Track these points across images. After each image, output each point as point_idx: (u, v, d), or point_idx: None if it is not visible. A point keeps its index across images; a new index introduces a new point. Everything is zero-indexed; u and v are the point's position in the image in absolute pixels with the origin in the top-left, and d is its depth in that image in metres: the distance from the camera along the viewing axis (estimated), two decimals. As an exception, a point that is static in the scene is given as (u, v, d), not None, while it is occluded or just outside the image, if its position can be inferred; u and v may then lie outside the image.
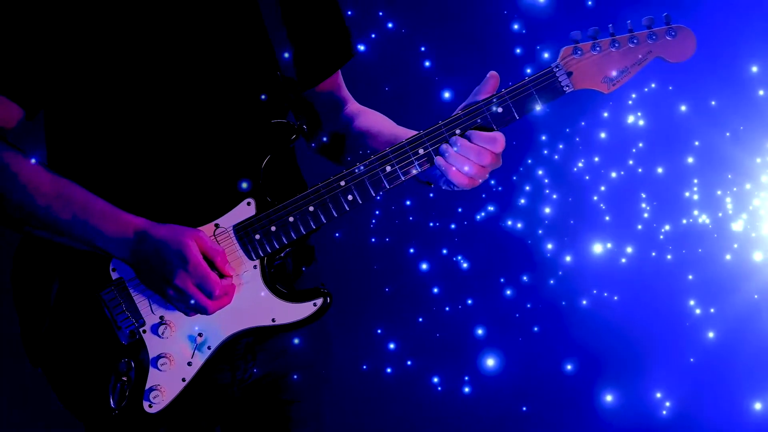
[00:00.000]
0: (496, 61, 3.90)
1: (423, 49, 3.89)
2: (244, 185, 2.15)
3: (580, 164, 4.02)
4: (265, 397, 2.29)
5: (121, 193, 2.13)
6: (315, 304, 2.18)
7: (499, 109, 2.19)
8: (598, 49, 2.23)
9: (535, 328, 4.13)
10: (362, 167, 2.16)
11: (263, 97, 2.22)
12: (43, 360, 2.14)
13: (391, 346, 4.06)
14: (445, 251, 4.08)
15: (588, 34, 2.23)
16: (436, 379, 4.11)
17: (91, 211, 2.06)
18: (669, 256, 4.05)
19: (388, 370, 4.04)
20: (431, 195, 3.94)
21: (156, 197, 2.14)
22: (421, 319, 4.12)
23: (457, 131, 2.16)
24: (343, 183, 2.16)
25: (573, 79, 2.22)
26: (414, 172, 2.18)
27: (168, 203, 2.14)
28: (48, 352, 2.13)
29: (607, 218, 4.09)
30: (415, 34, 3.89)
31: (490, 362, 4.05)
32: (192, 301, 2.06)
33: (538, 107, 2.21)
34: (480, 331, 4.10)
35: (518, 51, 3.76)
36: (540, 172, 4.04)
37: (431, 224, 4.06)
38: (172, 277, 2.03)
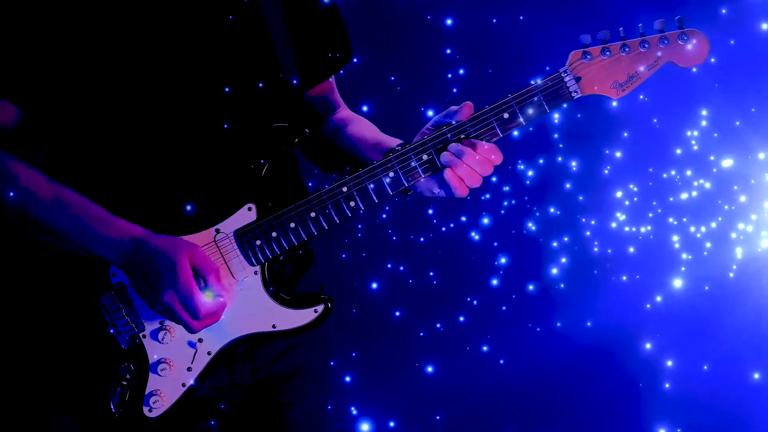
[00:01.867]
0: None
1: (393, 78, 3.89)
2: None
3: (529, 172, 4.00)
4: (264, 400, 2.28)
5: (121, 198, 2.11)
6: (316, 311, 2.16)
7: (506, 115, 2.15)
8: (608, 53, 2.18)
9: (501, 361, 4.07)
10: (364, 173, 2.14)
11: (264, 99, 2.19)
12: (44, 363, 2.13)
13: (347, 378, 3.97)
14: (402, 268, 4.03)
15: (598, 37, 2.19)
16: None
17: (88, 216, 2.05)
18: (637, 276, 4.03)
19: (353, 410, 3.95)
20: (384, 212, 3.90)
21: (157, 201, 2.12)
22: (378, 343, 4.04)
23: (462, 137, 2.14)
24: (345, 189, 2.14)
25: (581, 84, 2.17)
26: (420, 178, 2.15)
27: (169, 208, 2.12)
28: (48, 355, 2.12)
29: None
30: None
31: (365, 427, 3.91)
32: (177, 319, 2.04)
33: (545, 113, 2.17)
34: (430, 369, 4.03)
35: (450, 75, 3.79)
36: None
37: (394, 238, 3.99)
38: (160, 293, 2.01)
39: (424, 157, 2.14)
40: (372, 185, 2.14)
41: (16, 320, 2.14)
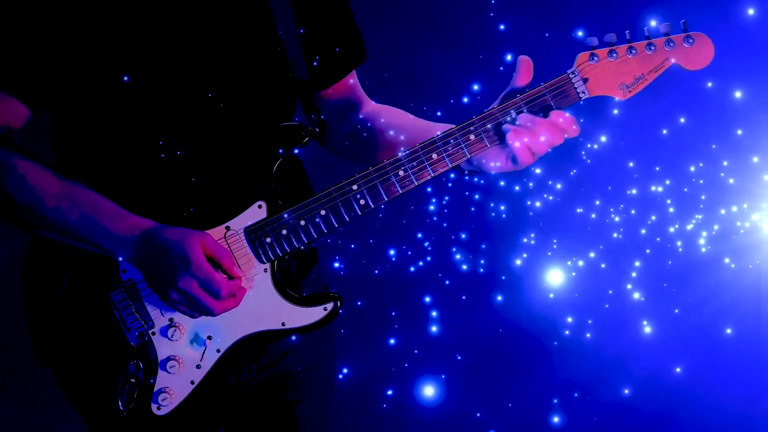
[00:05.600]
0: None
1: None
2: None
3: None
4: (270, 398, 2.28)
5: (131, 195, 2.11)
6: (325, 309, 2.16)
7: (514, 115, 2.17)
8: (614, 55, 2.21)
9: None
10: (374, 171, 2.15)
11: (274, 98, 2.20)
12: (52, 359, 2.13)
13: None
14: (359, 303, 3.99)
15: (605, 40, 2.22)
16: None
17: (99, 211, 2.04)
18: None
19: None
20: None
21: (167, 198, 2.13)
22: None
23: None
24: (355, 187, 2.15)
25: (589, 85, 2.20)
26: (427, 177, 2.16)
27: (179, 205, 2.12)
28: (57, 351, 2.12)
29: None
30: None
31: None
32: (197, 303, 2.02)
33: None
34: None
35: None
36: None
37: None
38: (176, 280, 2.00)
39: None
40: (381, 183, 2.15)
41: (26, 316, 2.14)
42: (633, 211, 4.03)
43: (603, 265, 4.04)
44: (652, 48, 2.22)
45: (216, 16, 2.14)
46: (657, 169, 3.97)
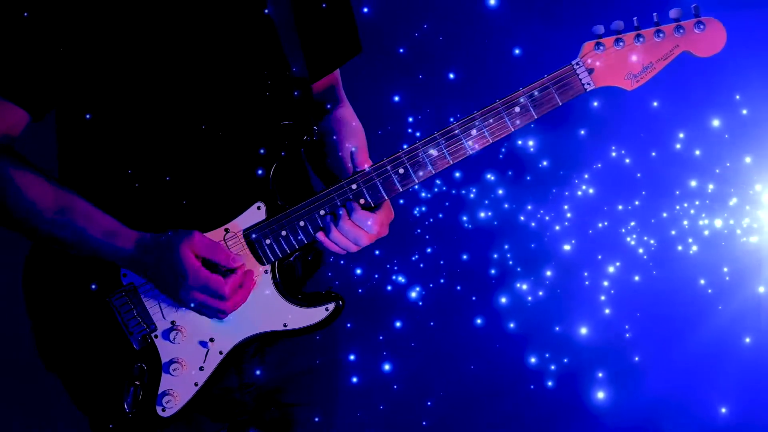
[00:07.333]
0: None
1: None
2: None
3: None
4: (273, 399, 2.27)
5: (132, 197, 2.10)
6: (327, 309, 2.15)
7: (517, 108, 2.11)
8: (621, 44, 2.13)
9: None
10: (373, 170, 2.11)
11: (272, 95, 2.16)
12: (57, 364, 2.14)
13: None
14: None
15: (611, 28, 2.14)
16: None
17: (94, 225, 2.03)
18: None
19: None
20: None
21: (166, 201, 2.11)
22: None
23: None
24: (354, 186, 2.12)
25: (594, 76, 2.13)
26: (421, 174, 2.12)
27: (178, 207, 2.11)
28: (62, 356, 2.13)
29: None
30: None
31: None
32: (207, 309, 2.03)
33: (558, 105, 2.13)
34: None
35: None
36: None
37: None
38: (177, 292, 2.01)
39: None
40: (381, 181, 2.11)
41: (29, 320, 2.15)
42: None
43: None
44: (661, 35, 2.13)
45: (215, 16, 2.09)
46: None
